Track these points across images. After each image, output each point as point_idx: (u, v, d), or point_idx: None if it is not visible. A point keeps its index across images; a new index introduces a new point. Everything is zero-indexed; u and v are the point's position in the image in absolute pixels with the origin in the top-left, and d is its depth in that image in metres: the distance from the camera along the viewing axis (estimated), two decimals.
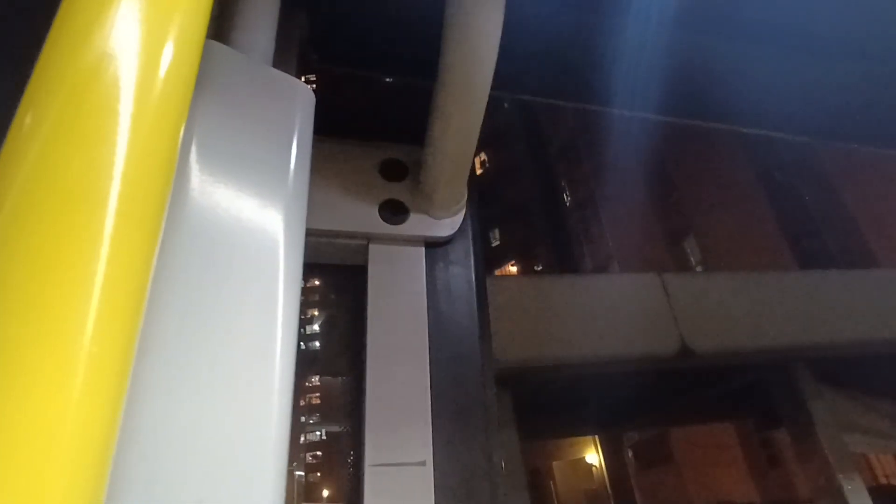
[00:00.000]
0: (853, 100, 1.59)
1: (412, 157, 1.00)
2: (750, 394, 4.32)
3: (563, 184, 19.56)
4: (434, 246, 0.96)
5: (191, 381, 0.42)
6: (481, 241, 1.05)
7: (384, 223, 0.94)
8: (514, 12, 1.24)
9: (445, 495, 0.75)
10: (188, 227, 0.45)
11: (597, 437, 13.29)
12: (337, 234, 0.93)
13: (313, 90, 0.61)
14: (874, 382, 4.04)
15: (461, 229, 0.98)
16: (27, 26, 0.56)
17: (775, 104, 1.57)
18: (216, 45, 0.54)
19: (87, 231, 0.27)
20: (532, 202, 21.06)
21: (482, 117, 0.82)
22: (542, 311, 3.85)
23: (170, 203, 0.34)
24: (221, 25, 0.61)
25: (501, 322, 3.77)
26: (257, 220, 0.49)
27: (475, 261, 1.01)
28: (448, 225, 0.96)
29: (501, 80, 1.43)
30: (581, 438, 13.96)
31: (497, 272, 20.44)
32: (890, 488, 7.38)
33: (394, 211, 0.95)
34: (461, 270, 0.99)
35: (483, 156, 23.34)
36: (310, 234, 0.87)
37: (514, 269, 20.76)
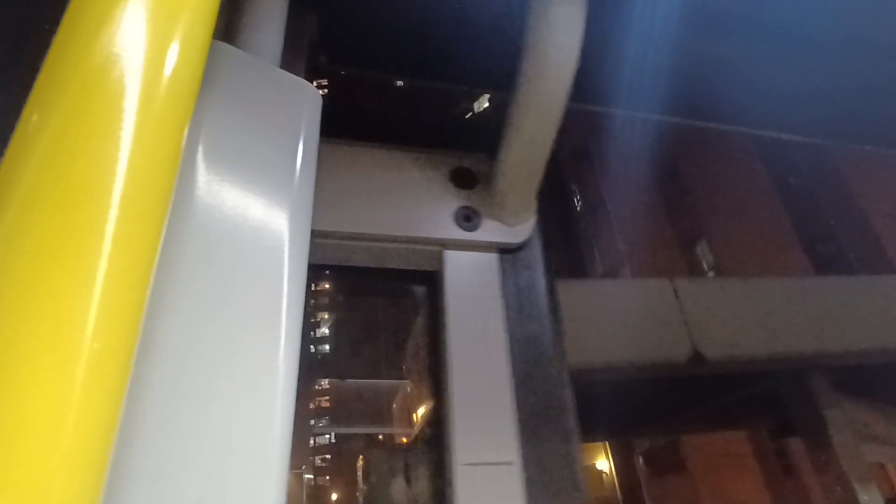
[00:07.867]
0: (870, 101, 1.56)
1: (479, 166, 1.03)
2: (764, 402, 4.23)
3: (573, 187, 19.43)
4: (506, 252, 0.99)
5: (194, 379, 0.42)
6: (547, 247, 1.08)
7: (459, 229, 0.95)
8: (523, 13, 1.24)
9: (533, 492, 0.80)
10: (193, 226, 0.45)
11: (607, 443, 13.15)
12: (412, 240, 0.94)
13: (328, 92, 0.61)
14: (892, 391, 3.94)
15: (530, 236, 1.00)
16: (30, 24, 0.57)
17: (790, 105, 1.55)
18: (223, 45, 0.55)
19: (89, 228, 0.27)
20: (542, 205, 20.93)
21: (557, 128, 0.83)
22: None
23: (175, 202, 0.34)
24: (229, 26, 0.62)
25: None
26: (262, 220, 0.49)
27: (545, 266, 1.04)
28: (520, 232, 0.98)
29: (510, 82, 1.43)
30: (591, 444, 13.83)
31: None
32: None
33: (467, 218, 0.97)
34: (533, 275, 1.01)
35: None
36: (383, 240, 0.92)
37: None
